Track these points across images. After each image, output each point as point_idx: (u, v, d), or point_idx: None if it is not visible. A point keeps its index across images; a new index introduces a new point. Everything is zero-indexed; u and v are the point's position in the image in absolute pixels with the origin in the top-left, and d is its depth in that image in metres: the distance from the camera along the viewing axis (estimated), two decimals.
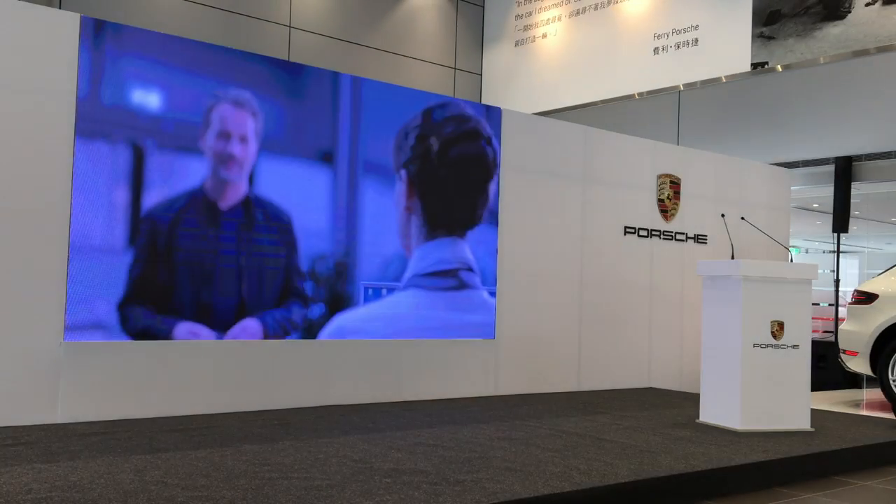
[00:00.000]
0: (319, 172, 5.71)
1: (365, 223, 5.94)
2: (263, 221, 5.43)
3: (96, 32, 4.77)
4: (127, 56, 4.89)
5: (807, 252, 14.53)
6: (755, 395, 5.09)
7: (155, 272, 4.98)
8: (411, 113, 6.17)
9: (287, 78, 5.64)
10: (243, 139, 5.39)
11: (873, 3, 9.02)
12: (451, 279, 6.35)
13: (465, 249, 6.43)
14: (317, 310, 5.63)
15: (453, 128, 6.46)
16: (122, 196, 4.83)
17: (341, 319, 5.73)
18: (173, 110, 5.07)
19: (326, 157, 5.74)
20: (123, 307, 4.84)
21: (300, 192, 5.60)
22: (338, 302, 5.74)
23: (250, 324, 5.34)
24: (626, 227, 7.34)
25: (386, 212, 6.04)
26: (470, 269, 6.44)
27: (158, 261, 4.99)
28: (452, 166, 6.37)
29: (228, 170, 5.30)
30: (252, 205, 5.40)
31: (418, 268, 6.20)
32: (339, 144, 5.79)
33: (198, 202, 5.17)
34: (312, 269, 5.64)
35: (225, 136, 5.30)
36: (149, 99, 5.00)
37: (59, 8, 9.04)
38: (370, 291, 5.93)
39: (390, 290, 6.04)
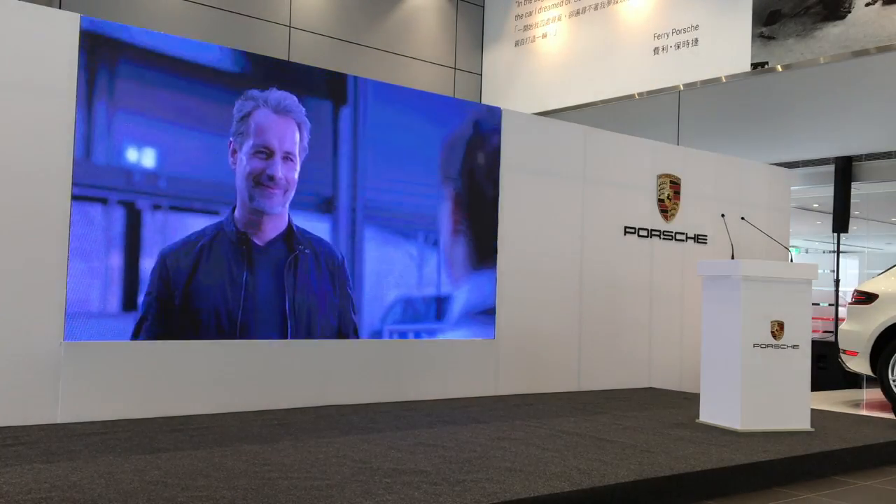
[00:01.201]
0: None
1: (394, 256, 5.16)
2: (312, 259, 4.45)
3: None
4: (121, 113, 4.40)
5: (807, 252, 14.53)
6: (755, 395, 5.08)
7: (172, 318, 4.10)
8: (456, 122, 5.39)
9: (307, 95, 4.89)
10: (288, 157, 4.35)
11: (873, 3, 9.02)
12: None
13: None
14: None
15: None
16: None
17: None
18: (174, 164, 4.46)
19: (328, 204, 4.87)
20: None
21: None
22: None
23: None
24: (626, 227, 7.33)
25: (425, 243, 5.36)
26: None
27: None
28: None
29: (268, 197, 4.31)
30: (297, 239, 4.43)
31: (470, 303, 5.52)
32: (339, 183, 5.24)
33: (226, 236, 4.25)
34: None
35: (266, 152, 4.28)
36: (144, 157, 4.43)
37: (60, 8, 9.03)
38: (394, 335, 5.30)
39: (427, 333, 5.32)
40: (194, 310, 4.26)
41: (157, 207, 4.44)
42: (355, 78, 5.60)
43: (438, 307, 5.72)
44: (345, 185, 4.94)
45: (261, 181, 4.33)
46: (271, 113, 4.41)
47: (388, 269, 5.36)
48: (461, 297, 5.88)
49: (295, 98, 4.51)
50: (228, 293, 4.35)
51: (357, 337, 5.14)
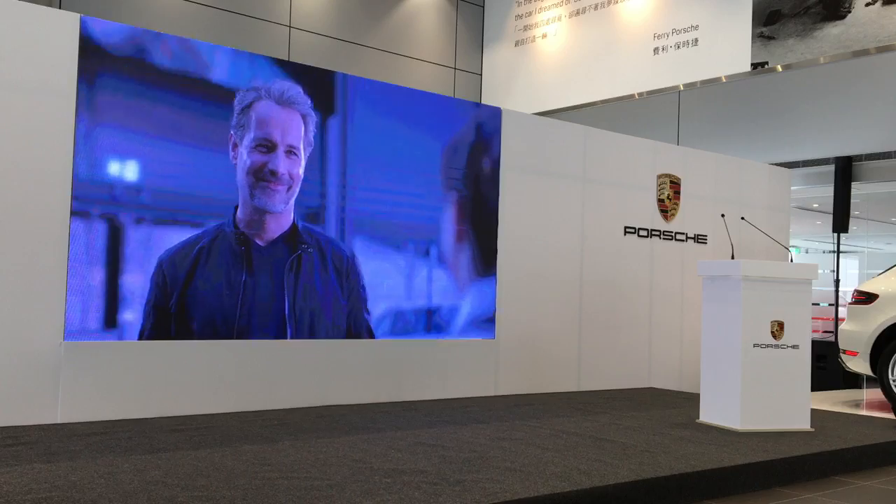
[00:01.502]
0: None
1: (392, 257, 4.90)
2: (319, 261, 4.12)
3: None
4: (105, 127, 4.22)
5: (807, 252, 14.54)
6: (755, 395, 5.08)
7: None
8: (458, 124, 5.06)
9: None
10: (291, 151, 4.04)
11: (873, 3, 9.02)
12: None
13: None
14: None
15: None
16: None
17: None
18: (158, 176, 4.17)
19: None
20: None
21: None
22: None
23: None
24: (626, 227, 7.33)
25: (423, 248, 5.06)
26: None
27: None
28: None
29: (269, 194, 4.00)
30: (301, 239, 4.11)
31: (479, 309, 5.27)
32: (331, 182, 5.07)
33: (227, 238, 3.93)
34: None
35: (267, 146, 3.95)
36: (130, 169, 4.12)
37: (60, 8, 9.03)
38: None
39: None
40: (190, 317, 4.05)
41: (140, 220, 4.39)
42: (344, 76, 5.56)
43: (444, 317, 5.67)
44: (335, 189, 4.83)
45: (262, 177, 4.04)
46: (274, 104, 4.10)
47: (385, 279, 5.30)
48: (466, 307, 5.86)
49: (300, 88, 4.19)
50: (225, 298, 4.09)
51: (372, 338, 4.96)
